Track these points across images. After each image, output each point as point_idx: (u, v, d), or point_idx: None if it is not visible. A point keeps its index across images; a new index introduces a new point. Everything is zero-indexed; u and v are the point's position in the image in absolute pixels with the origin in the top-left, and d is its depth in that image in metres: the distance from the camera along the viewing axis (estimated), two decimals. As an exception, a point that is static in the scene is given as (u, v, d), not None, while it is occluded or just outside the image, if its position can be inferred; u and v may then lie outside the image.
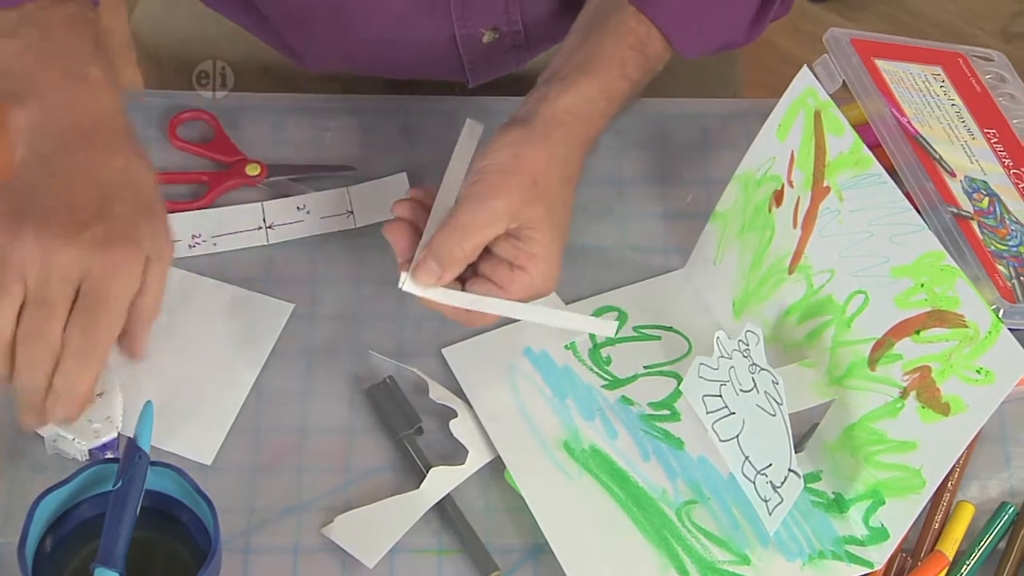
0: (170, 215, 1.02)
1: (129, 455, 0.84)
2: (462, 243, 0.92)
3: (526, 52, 1.13)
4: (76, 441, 0.91)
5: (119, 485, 0.83)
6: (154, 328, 0.93)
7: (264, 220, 1.05)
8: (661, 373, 1.01)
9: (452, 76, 1.14)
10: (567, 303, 1.03)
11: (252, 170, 1.07)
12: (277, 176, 1.07)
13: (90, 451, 0.92)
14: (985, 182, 1.03)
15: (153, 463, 0.85)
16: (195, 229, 1.04)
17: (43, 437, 0.93)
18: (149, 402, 0.85)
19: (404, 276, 0.93)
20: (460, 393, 0.99)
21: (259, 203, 1.06)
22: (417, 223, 0.95)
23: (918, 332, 0.90)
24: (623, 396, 1.00)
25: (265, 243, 1.05)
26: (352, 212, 1.06)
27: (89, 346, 0.87)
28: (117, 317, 0.88)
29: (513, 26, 1.10)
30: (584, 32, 1.02)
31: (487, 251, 0.94)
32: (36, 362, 0.87)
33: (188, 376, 0.98)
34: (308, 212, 1.06)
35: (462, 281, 0.94)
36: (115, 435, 0.92)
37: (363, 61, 1.14)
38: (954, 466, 0.95)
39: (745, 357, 0.92)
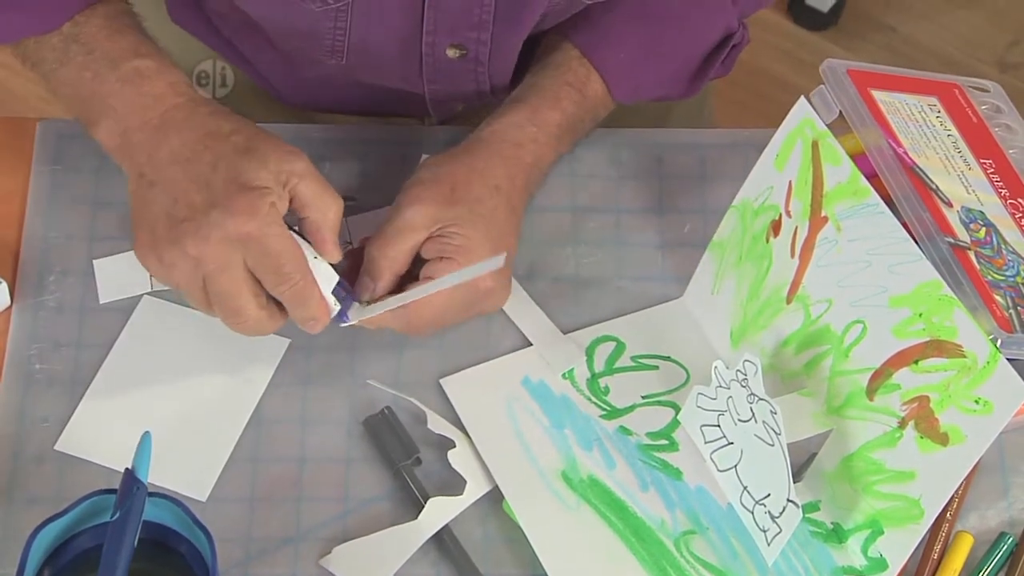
0: None
1: (127, 486, 0.84)
2: (384, 249, 0.96)
3: (489, 97, 1.14)
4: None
5: (117, 516, 0.83)
6: (149, 363, 0.96)
7: None
8: (659, 403, 1.01)
9: (419, 115, 1.16)
10: (565, 332, 1.04)
11: None
12: None
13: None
14: (982, 212, 1.03)
15: (151, 494, 0.85)
16: None
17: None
18: (147, 433, 0.85)
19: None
20: (458, 423, 0.99)
21: None
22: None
23: (916, 362, 0.90)
24: (621, 426, 1.00)
25: None
26: (351, 243, 1.06)
27: (296, 289, 0.92)
28: (296, 254, 0.92)
29: (484, 100, 1.11)
30: (533, 73, 1.06)
31: (420, 261, 0.97)
32: (250, 330, 0.94)
33: (183, 412, 0.98)
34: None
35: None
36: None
37: (332, 106, 1.16)
38: (953, 496, 0.95)
39: (743, 387, 0.92)
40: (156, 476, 0.85)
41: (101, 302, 1.03)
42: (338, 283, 0.95)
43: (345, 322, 0.96)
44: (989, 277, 0.98)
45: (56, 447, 0.97)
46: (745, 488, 0.93)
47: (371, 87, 1.11)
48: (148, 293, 1.03)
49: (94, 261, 1.04)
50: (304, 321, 0.95)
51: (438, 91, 1.09)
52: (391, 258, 0.96)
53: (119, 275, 1.03)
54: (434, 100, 1.11)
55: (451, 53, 1.04)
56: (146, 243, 0.93)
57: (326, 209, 0.93)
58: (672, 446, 0.99)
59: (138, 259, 0.94)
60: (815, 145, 0.95)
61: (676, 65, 1.08)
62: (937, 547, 0.95)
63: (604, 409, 1.00)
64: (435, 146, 1.11)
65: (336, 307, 0.95)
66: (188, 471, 0.96)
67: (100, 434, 0.97)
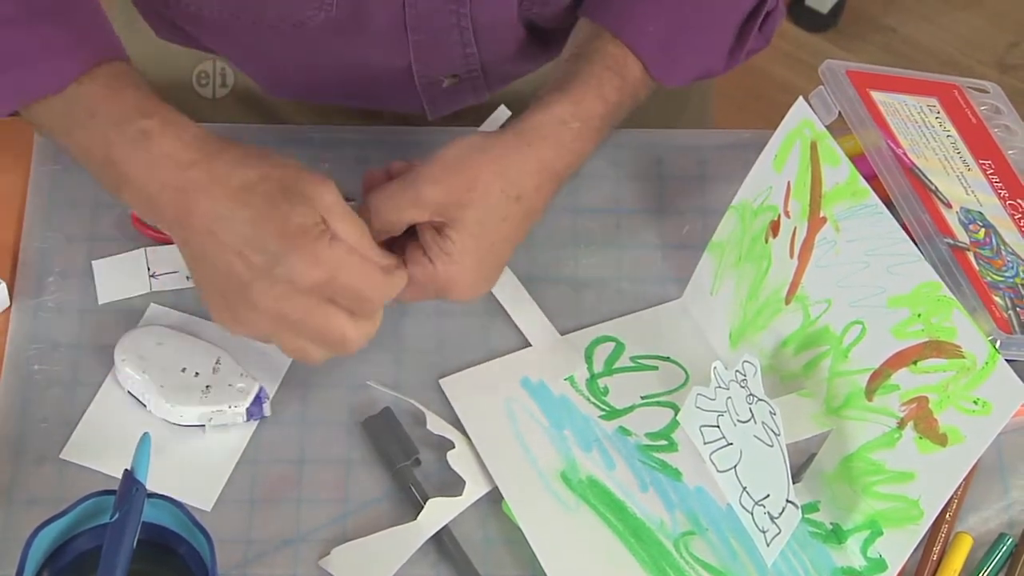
0: (168, 247, 1.03)
1: (126, 487, 0.84)
2: (384, 211, 0.93)
3: (485, 92, 1.14)
4: (231, 407, 0.97)
5: (116, 517, 0.83)
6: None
7: None
8: (658, 404, 1.01)
9: (412, 109, 1.14)
10: (563, 333, 1.04)
11: None
12: None
13: (247, 410, 0.97)
14: (981, 213, 1.03)
15: (150, 495, 0.85)
16: None
17: (202, 426, 0.98)
18: (146, 434, 0.85)
19: None
20: (458, 424, 0.99)
21: None
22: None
23: (915, 363, 0.90)
24: (620, 427, 1.00)
25: None
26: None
27: (372, 312, 0.92)
28: (367, 283, 0.90)
29: (472, 72, 1.11)
30: (570, 58, 1.03)
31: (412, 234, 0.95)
32: (358, 346, 0.92)
33: (188, 423, 0.98)
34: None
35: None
36: (258, 384, 0.97)
37: (323, 94, 1.14)
38: (952, 497, 0.95)
39: (742, 387, 0.92)
40: (160, 486, 0.85)
41: (100, 303, 1.03)
42: (261, 391, 0.97)
43: None
44: (988, 278, 0.98)
45: (62, 456, 0.96)
46: (744, 489, 0.93)
47: (358, 68, 1.10)
48: (146, 294, 1.03)
49: (93, 262, 1.04)
50: (367, 337, 0.93)
51: (421, 47, 1.06)
52: (382, 223, 0.94)
53: (118, 276, 1.03)
54: (420, 63, 1.08)
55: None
56: (221, 308, 0.91)
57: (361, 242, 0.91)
58: (671, 447, 0.99)
59: (218, 323, 0.92)
60: (814, 146, 0.95)
61: (711, 37, 1.06)
62: (936, 548, 0.95)
63: (603, 410, 1.01)
64: (436, 148, 1.10)
65: (244, 392, 0.97)
66: (192, 483, 0.96)
67: (105, 443, 0.97)
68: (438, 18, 1.04)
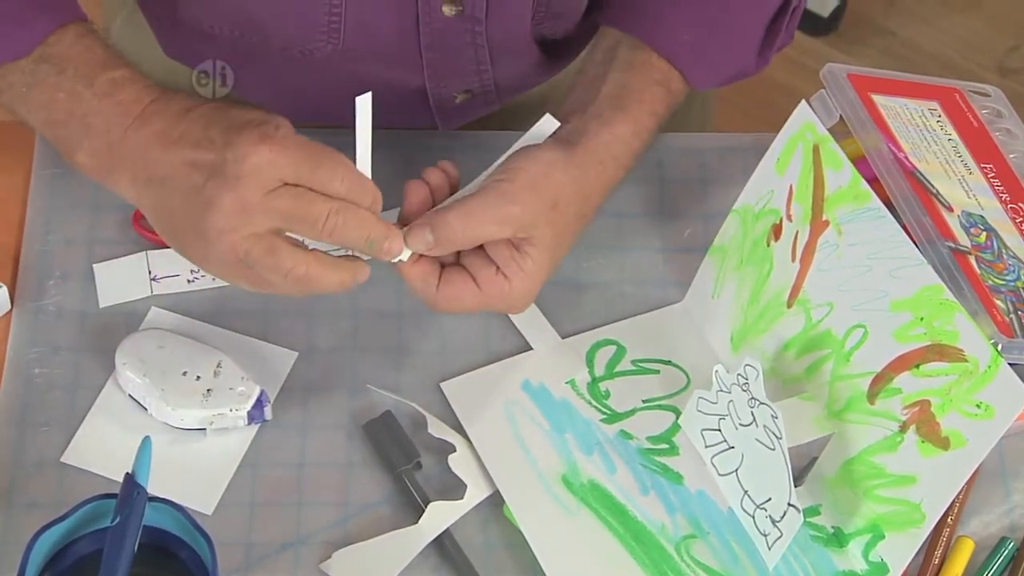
0: (169, 250, 1.02)
1: (127, 491, 0.84)
2: (465, 228, 0.92)
3: (496, 105, 1.14)
4: (232, 411, 0.96)
5: (117, 521, 0.83)
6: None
7: None
8: (660, 407, 1.01)
9: (423, 124, 1.14)
10: (564, 337, 1.03)
11: None
12: None
13: (248, 414, 0.97)
14: (982, 217, 1.03)
15: (151, 499, 0.84)
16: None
17: (203, 430, 0.97)
18: (147, 438, 0.85)
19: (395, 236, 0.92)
20: (459, 427, 0.99)
21: None
22: (437, 194, 0.95)
23: (917, 366, 0.90)
24: (622, 430, 1.00)
25: None
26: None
27: (344, 220, 0.89)
28: (324, 161, 0.89)
29: (485, 87, 1.10)
30: (605, 65, 1.02)
31: (478, 248, 0.94)
32: (338, 286, 0.91)
33: (189, 426, 0.98)
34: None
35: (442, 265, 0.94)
36: (259, 388, 0.97)
37: (333, 117, 1.14)
38: (954, 500, 0.95)
39: (744, 391, 0.92)
40: (161, 490, 0.85)
41: (101, 306, 1.03)
42: (263, 394, 0.97)
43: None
44: (990, 282, 0.98)
45: (62, 459, 0.96)
46: (746, 492, 0.93)
47: (368, 88, 1.10)
48: (147, 297, 1.03)
49: (94, 265, 1.04)
50: (376, 248, 0.90)
51: (436, 64, 1.07)
52: (466, 239, 0.92)
53: (119, 279, 1.03)
54: (434, 81, 1.08)
55: (447, 10, 1.02)
56: (191, 244, 0.91)
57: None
58: (673, 450, 0.99)
59: (192, 262, 0.92)
60: (816, 149, 0.95)
61: (742, 38, 1.06)
62: (938, 552, 0.95)
63: (605, 413, 1.00)
64: (443, 153, 1.10)
65: (244, 396, 0.97)
66: (194, 487, 0.95)
67: (106, 447, 0.97)
68: (453, 36, 1.04)
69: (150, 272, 1.04)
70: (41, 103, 0.94)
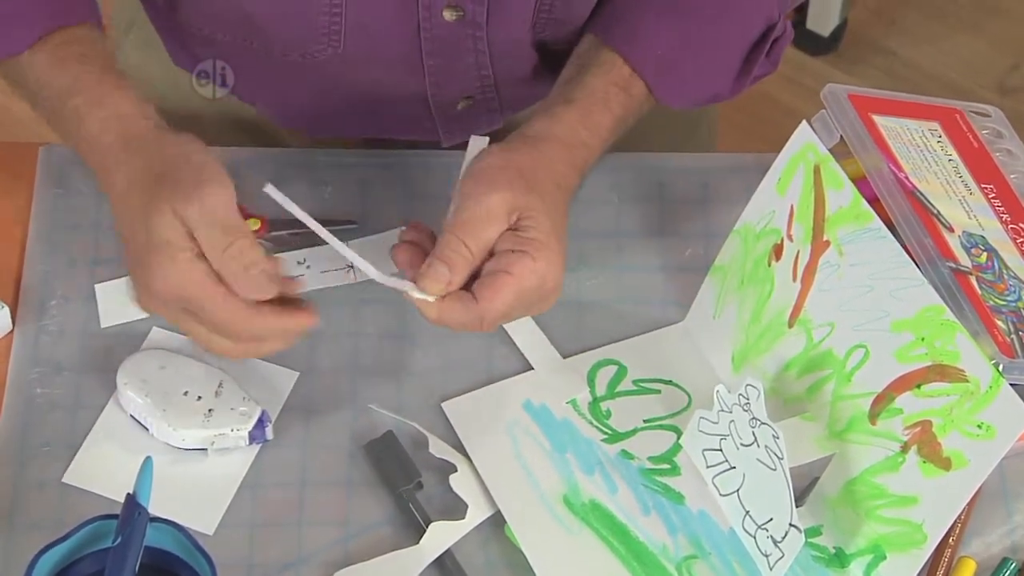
0: None
1: (128, 511, 0.84)
2: (466, 241, 0.92)
3: (499, 115, 1.14)
4: (233, 431, 0.96)
5: (118, 542, 0.83)
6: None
7: None
8: (661, 427, 1.01)
9: (425, 136, 1.14)
10: (565, 357, 1.03)
11: (252, 224, 1.07)
12: (278, 231, 1.07)
13: (250, 434, 0.97)
14: (983, 237, 1.03)
15: (152, 519, 0.84)
16: None
17: (204, 450, 0.97)
18: (149, 458, 0.85)
19: (406, 284, 0.92)
20: (460, 447, 0.99)
21: None
22: (423, 246, 0.95)
23: (919, 386, 0.90)
24: (623, 450, 1.00)
25: None
26: (352, 267, 1.06)
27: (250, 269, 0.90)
28: (211, 312, 0.90)
29: (487, 93, 1.11)
30: (573, 68, 1.04)
31: (489, 255, 0.93)
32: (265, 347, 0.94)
33: (190, 446, 0.98)
34: (308, 267, 1.06)
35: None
36: (260, 408, 0.97)
37: (335, 125, 1.14)
38: (956, 521, 0.95)
39: (745, 411, 0.92)
40: (162, 510, 0.85)
41: (102, 327, 1.03)
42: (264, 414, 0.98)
43: None
44: (991, 302, 0.98)
45: (64, 480, 0.96)
46: (747, 512, 0.93)
47: (370, 95, 1.10)
48: (148, 318, 1.03)
49: (96, 286, 1.04)
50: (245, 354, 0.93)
51: (438, 70, 1.07)
52: (473, 251, 0.92)
53: (121, 300, 1.03)
54: (435, 87, 1.08)
55: (448, 15, 1.02)
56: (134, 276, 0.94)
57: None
58: (674, 470, 0.99)
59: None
60: (817, 169, 0.95)
61: (716, 61, 1.06)
62: (940, 572, 0.95)
63: (606, 433, 1.00)
64: (439, 170, 1.11)
65: (246, 415, 0.97)
66: (195, 507, 0.95)
67: (107, 467, 0.97)
68: (454, 42, 1.04)
69: None
70: (44, 117, 0.98)
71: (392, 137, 1.16)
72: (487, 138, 0.98)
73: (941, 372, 0.89)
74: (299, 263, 1.06)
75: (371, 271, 0.92)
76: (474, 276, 0.93)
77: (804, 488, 0.97)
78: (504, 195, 0.93)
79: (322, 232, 0.91)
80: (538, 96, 1.05)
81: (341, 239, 1.04)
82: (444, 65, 1.06)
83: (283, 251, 1.07)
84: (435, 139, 1.14)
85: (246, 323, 0.90)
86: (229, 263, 0.89)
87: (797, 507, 0.91)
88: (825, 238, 0.95)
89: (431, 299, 0.91)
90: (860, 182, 0.99)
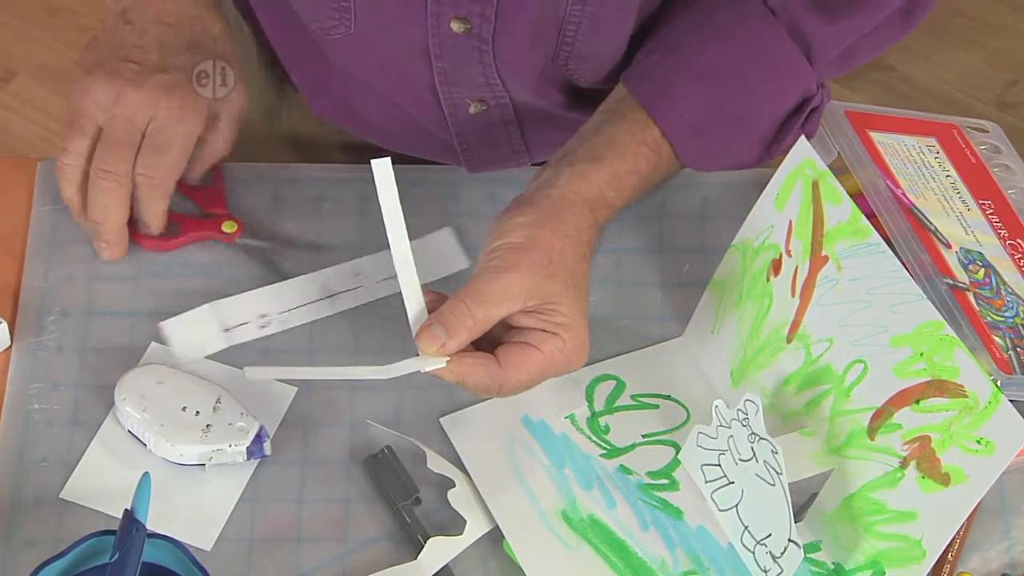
0: (232, 298, 1.03)
1: (126, 527, 0.84)
2: (473, 310, 0.92)
3: (520, 139, 1.13)
4: (231, 446, 0.96)
5: (116, 558, 0.83)
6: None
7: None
8: (659, 442, 1.01)
9: (439, 131, 1.13)
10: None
11: (228, 227, 1.07)
12: (248, 239, 1.07)
13: (248, 449, 0.97)
14: (981, 253, 1.03)
15: (150, 535, 0.84)
16: (263, 308, 1.04)
17: (202, 465, 0.97)
18: (147, 474, 0.85)
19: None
20: (458, 463, 0.99)
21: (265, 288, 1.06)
22: (434, 307, 0.94)
23: (918, 402, 0.90)
24: (621, 465, 1.00)
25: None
26: (360, 286, 1.06)
27: (153, 181, 1.02)
28: (178, 156, 1.02)
29: (500, 101, 1.10)
30: (602, 118, 1.03)
31: (511, 328, 0.94)
32: (105, 197, 1.01)
33: (188, 462, 0.98)
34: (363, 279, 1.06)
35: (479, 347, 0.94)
36: (259, 423, 0.97)
37: (357, 118, 1.15)
38: (954, 537, 0.95)
39: (744, 426, 0.92)
40: (160, 526, 0.85)
41: (178, 361, 1.02)
42: (262, 430, 0.97)
43: None
44: (988, 318, 0.98)
45: (61, 496, 0.96)
46: (746, 528, 0.93)
47: (385, 83, 1.10)
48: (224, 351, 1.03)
49: (160, 324, 1.02)
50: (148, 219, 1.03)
51: (446, 72, 1.06)
52: (477, 322, 0.92)
53: (191, 334, 1.02)
54: (445, 86, 1.08)
55: (455, 27, 1.02)
56: (91, 63, 1.02)
57: (220, 146, 1.06)
58: (672, 485, 0.99)
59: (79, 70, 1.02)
60: (815, 185, 0.95)
61: (748, 132, 1.04)
62: (939, 588, 0.95)
63: (604, 448, 1.00)
64: (438, 187, 1.11)
65: (244, 431, 0.97)
66: (192, 522, 0.95)
67: (105, 483, 0.97)
68: (462, 51, 1.04)
69: (221, 324, 1.03)
70: None
71: (415, 154, 1.16)
72: (388, 158, 0.93)
73: (940, 387, 0.89)
74: (355, 275, 1.06)
75: (380, 373, 0.93)
76: (475, 344, 0.93)
77: (803, 503, 0.96)
78: (524, 279, 0.93)
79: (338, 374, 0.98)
80: (562, 131, 1.05)
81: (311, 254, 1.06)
82: (451, 68, 1.06)
83: (254, 257, 1.07)
84: (453, 153, 1.14)
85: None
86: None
87: (796, 522, 0.91)
88: (824, 253, 0.95)
89: (442, 363, 0.92)
90: (857, 198, 0.99)
